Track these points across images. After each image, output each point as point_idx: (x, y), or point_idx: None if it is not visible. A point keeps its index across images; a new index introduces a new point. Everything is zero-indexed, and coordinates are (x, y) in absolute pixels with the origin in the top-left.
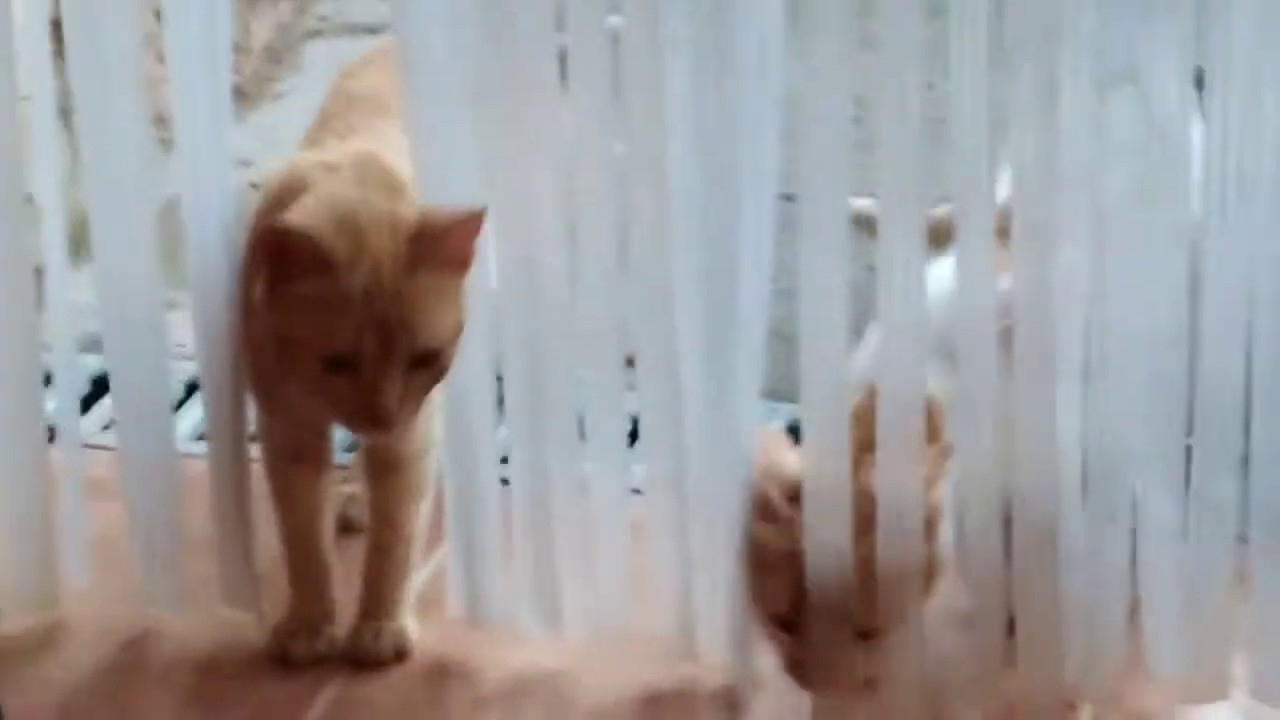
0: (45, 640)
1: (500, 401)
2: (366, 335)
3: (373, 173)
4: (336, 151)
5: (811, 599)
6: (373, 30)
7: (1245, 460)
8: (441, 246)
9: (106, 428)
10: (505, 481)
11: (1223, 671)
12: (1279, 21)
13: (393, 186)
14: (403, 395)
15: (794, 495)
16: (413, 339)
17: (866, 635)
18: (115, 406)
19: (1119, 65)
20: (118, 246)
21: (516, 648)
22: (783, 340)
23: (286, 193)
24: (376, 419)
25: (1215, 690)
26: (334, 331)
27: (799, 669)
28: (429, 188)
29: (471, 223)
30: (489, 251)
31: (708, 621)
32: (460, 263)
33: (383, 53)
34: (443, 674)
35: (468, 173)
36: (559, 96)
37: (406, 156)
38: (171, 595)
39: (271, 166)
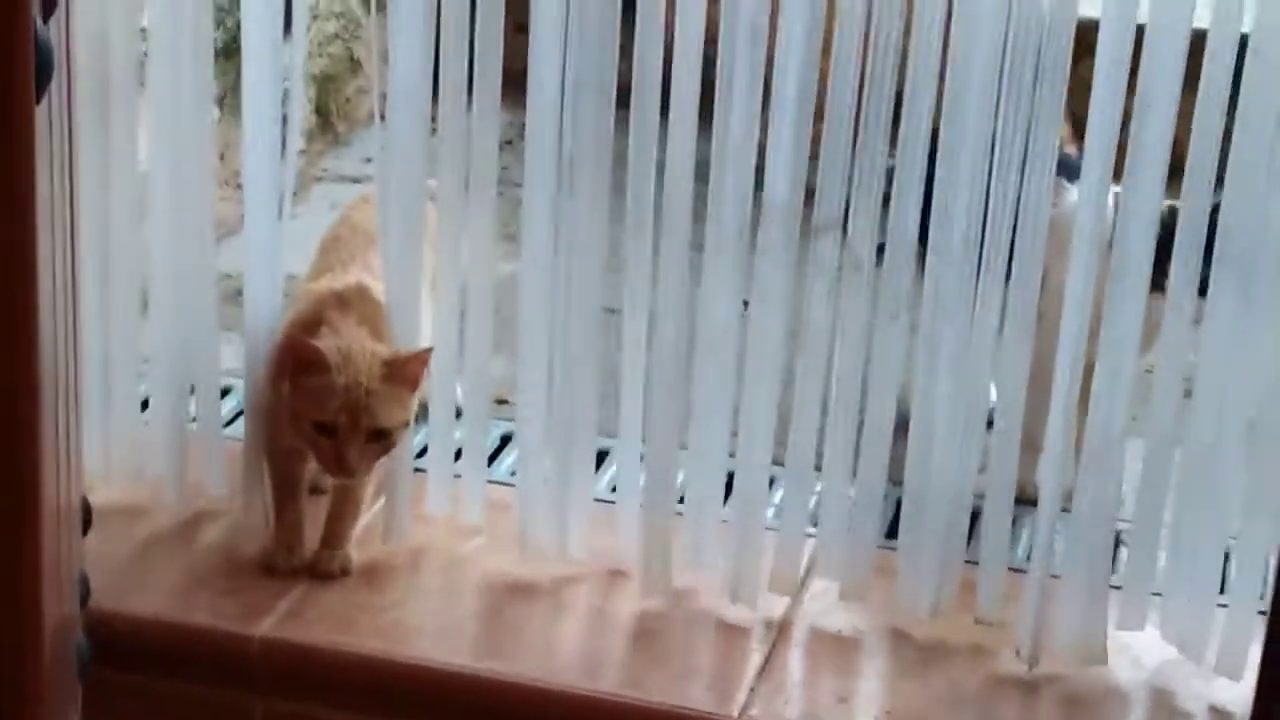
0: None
1: None
2: (342, 413)
3: (365, 304)
4: (340, 280)
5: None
6: (357, 180)
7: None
8: (401, 371)
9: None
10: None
11: None
12: None
13: (376, 316)
14: (361, 455)
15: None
16: (371, 419)
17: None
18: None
19: None
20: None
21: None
22: None
23: (309, 318)
24: (343, 469)
25: None
26: (324, 408)
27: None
28: (395, 313)
29: (422, 357)
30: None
31: None
32: (412, 383)
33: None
34: (371, 584)
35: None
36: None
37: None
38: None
39: (301, 271)
